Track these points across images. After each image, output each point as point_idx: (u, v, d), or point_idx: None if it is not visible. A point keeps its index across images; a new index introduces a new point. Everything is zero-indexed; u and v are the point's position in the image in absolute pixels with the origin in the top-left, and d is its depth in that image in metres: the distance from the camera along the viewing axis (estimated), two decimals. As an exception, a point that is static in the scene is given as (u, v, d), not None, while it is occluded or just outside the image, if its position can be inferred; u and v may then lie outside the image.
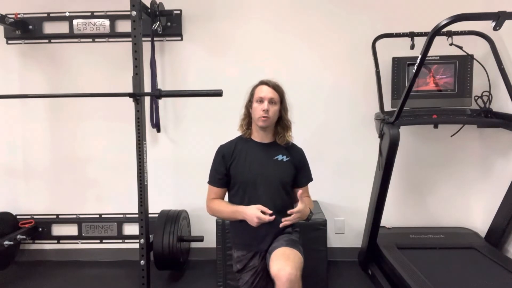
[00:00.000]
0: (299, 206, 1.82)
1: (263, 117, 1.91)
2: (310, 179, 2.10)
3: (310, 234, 2.52)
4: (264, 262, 1.91)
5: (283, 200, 1.96)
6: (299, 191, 1.85)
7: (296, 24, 3.09)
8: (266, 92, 1.93)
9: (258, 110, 1.92)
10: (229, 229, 2.13)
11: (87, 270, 3.10)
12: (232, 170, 1.97)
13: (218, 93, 2.36)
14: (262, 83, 1.98)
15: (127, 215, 3.23)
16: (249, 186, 1.93)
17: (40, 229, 3.24)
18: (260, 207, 1.83)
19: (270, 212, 1.83)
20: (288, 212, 1.82)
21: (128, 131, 2.76)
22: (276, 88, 1.96)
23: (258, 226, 1.85)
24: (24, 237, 3.05)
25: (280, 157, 1.98)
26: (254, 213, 1.82)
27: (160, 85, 3.09)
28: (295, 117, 2.06)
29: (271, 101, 1.92)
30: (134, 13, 2.47)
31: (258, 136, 2.00)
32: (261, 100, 1.92)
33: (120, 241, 3.25)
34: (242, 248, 1.97)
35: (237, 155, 1.97)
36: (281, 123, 2.00)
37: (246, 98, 2.02)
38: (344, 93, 3.11)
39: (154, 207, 2.89)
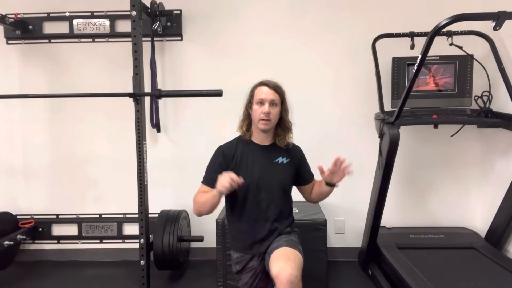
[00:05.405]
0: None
1: (265, 119, 1.86)
2: (313, 175, 2.05)
3: (310, 234, 2.52)
4: (263, 264, 1.90)
5: (283, 203, 1.95)
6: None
7: (295, 24, 3.09)
8: (266, 93, 1.87)
9: (258, 112, 1.86)
10: (228, 231, 2.11)
11: (87, 270, 3.10)
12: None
13: (218, 93, 2.36)
14: (262, 84, 1.92)
15: (127, 215, 3.23)
16: (250, 190, 1.89)
17: (40, 229, 3.24)
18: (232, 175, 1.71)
19: (241, 181, 1.72)
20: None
21: (128, 131, 2.76)
22: (277, 89, 1.90)
23: (257, 230, 1.88)
24: (24, 237, 3.06)
25: (280, 160, 1.95)
26: (224, 177, 1.71)
27: (160, 85, 3.08)
28: (295, 118, 2.05)
29: (272, 103, 1.87)
30: (134, 13, 2.47)
31: (258, 138, 1.95)
32: (261, 102, 1.87)
33: (120, 241, 3.25)
34: (241, 250, 1.96)
35: (238, 158, 1.92)
36: (281, 124, 1.95)
37: (245, 98, 1.96)
38: (344, 93, 3.11)
39: (154, 207, 2.88)
